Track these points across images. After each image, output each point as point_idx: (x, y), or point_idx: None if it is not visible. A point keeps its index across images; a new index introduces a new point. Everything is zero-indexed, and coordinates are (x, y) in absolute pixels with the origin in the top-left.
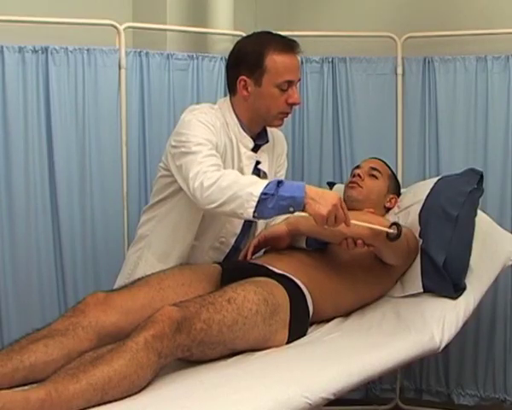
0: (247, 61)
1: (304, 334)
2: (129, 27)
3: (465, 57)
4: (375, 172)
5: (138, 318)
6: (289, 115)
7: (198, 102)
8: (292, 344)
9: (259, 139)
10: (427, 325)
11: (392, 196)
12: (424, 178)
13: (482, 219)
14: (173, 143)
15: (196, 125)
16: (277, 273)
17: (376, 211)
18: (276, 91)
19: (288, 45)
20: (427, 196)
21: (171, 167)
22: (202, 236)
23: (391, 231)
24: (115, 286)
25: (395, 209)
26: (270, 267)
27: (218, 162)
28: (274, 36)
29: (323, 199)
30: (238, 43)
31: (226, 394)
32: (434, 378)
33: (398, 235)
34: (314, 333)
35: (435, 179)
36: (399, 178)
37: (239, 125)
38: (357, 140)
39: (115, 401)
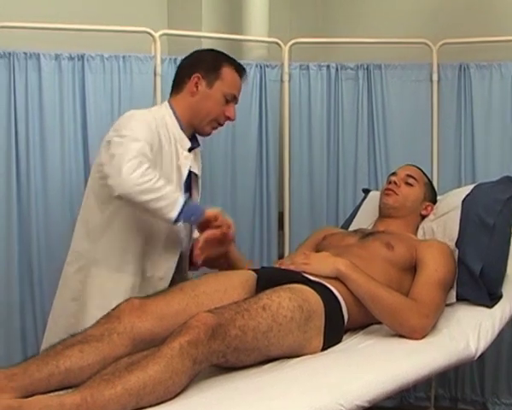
0: (206, 63)
1: (339, 341)
2: (164, 34)
3: (501, 64)
4: (411, 180)
5: (173, 324)
6: (221, 128)
7: None
8: (327, 351)
9: (192, 142)
10: (463, 332)
11: (428, 203)
12: (459, 186)
13: None
14: (109, 138)
15: (135, 121)
16: (312, 280)
17: (412, 218)
18: (221, 99)
19: (242, 68)
20: (463, 204)
21: (102, 159)
22: (152, 238)
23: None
24: (51, 322)
25: (431, 217)
26: (306, 274)
27: (149, 163)
28: (230, 56)
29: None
30: (196, 51)
31: (261, 400)
32: (469, 387)
33: None
34: (349, 340)
35: (471, 187)
36: (435, 185)
37: (178, 126)
38: (392, 147)
39: (150, 406)
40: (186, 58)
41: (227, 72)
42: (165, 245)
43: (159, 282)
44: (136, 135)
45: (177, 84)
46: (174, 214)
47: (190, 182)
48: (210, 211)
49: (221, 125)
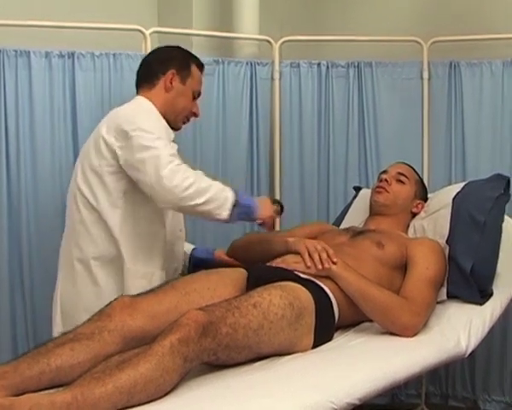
0: (178, 60)
1: (330, 339)
2: (155, 32)
3: (491, 61)
4: (402, 178)
5: (164, 321)
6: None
7: (224, 107)
8: (317, 349)
9: None
10: (454, 330)
11: (418, 201)
12: (450, 183)
13: (509, 224)
14: (131, 133)
15: (149, 116)
16: (303, 278)
17: (402, 216)
18: (191, 96)
19: (203, 65)
20: (454, 202)
21: (123, 159)
22: (167, 228)
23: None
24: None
25: (422, 214)
26: (296, 272)
27: (180, 160)
28: (192, 53)
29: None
30: (163, 47)
31: (253, 398)
32: (460, 384)
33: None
34: (340, 338)
35: (462, 184)
36: (425, 183)
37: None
38: (382, 145)
39: (141, 405)
40: (156, 53)
41: (194, 70)
42: (176, 235)
43: (174, 273)
44: (157, 133)
45: (148, 80)
46: (225, 214)
47: None
48: (264, 212)
49: (189, 120)
